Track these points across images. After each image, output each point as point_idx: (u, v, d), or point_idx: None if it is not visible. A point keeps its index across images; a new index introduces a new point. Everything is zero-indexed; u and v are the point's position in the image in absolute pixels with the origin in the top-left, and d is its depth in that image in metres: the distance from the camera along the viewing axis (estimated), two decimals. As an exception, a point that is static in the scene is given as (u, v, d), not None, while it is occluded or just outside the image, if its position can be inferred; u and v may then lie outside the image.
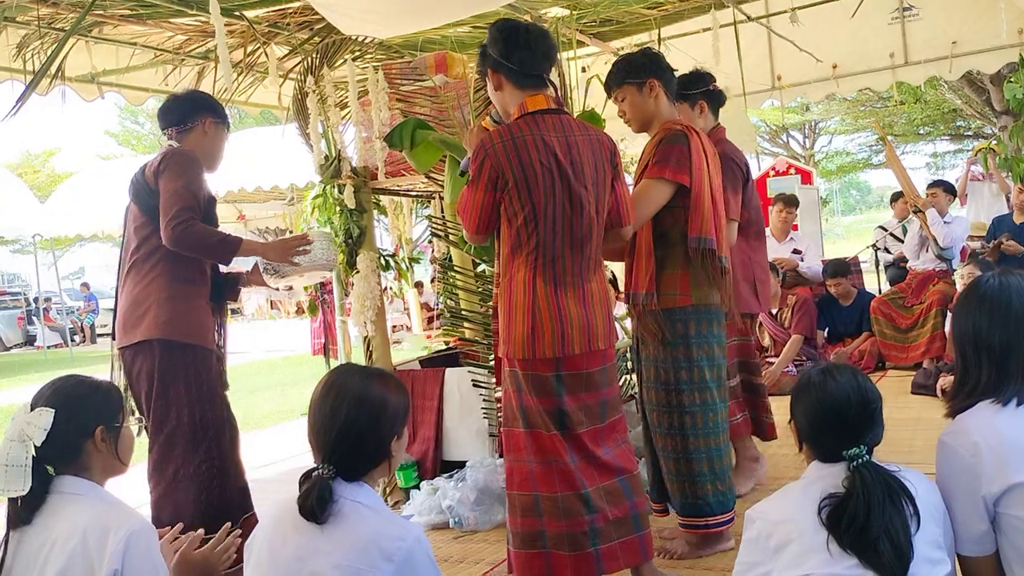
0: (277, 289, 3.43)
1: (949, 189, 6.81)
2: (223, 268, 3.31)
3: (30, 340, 20.69)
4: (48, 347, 18.26)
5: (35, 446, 1.76)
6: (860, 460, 1.71)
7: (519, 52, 2.64)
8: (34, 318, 20.45)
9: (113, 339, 3.13)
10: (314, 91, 4.04)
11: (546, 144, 2.57)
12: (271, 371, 11.05)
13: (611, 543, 2.60)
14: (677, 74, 3.28)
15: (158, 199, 2.98)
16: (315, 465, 1.79)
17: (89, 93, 5.00)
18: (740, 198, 3.63)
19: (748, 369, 3.98)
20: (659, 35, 5.18)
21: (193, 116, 3.15)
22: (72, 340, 18.74)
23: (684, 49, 5.69)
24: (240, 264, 3.37)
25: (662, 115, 3.12)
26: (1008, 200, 8.03)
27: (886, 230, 8.29)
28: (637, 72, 3.12)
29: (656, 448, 3.14)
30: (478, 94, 3.77)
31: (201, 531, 2.06)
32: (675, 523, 3.18)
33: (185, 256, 3.01)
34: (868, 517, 1.64)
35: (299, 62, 4.55)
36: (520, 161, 2.55)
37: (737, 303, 3.64)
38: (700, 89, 3.73)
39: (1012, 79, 7.74)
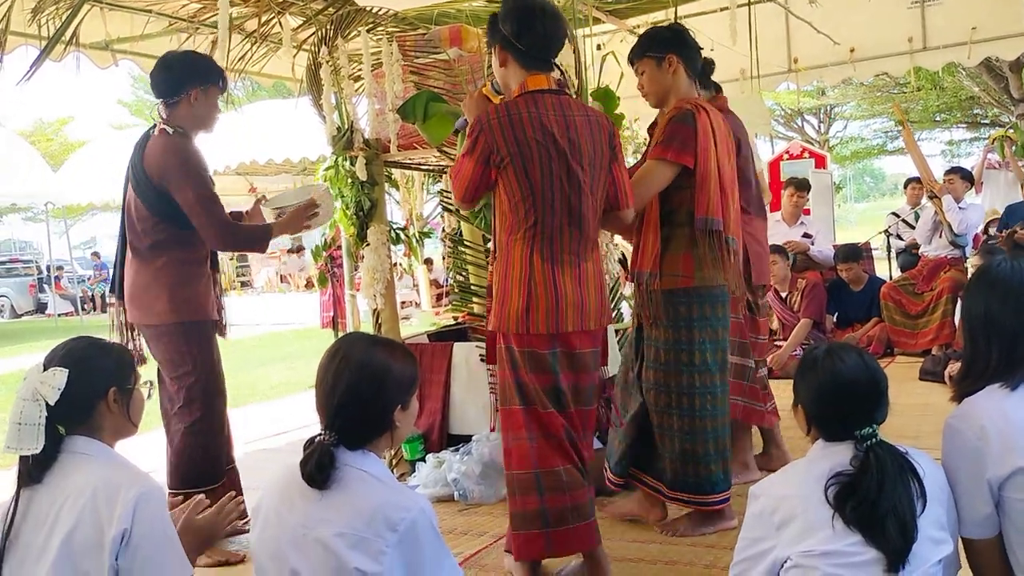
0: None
1: (967, 176, 6.78)
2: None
3: (41, 308, 20.82)
4: (59, 315, 18.37)
5: (48, 405, 1.78)
6: (873, 439, 1.71)
7: (530, 35, 2.64)
8: (45, 286, 20.57)
9: (114, 300, 3.39)
10: (328, 62, 4.03)
11: (543, 122, 2.58)
12: (280, 344, 11.09)
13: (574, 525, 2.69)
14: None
15: (161, 197, 3.16)
16: (320, 431, 1.80)
17: (103, 60, 4.98)
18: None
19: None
20: (676, 13, 5.12)
21: (179, 89, 3.22)
22: (83, 309, 18.84)
23: (700, 28, 5.63)
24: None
25: (679, 92, 3.11)
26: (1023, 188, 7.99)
27: (899, 216, 8.25)
28: (658, 46, 3.11)
29: (652, 426, 3.14)
30: (492, 68, 3.74)
31: (202, 496, 2.09)
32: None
33: (187, 243, 3.21)
34: (880, 495, 1.65)
35: (313, 33, 4.53)
36: (515, 138, 2.57)
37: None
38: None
39: (1032, 65, 7.66)
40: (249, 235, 3.34)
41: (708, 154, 2.96)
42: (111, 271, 3.45)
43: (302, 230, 3.54)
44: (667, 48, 3.10)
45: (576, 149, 2.61)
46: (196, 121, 3.26)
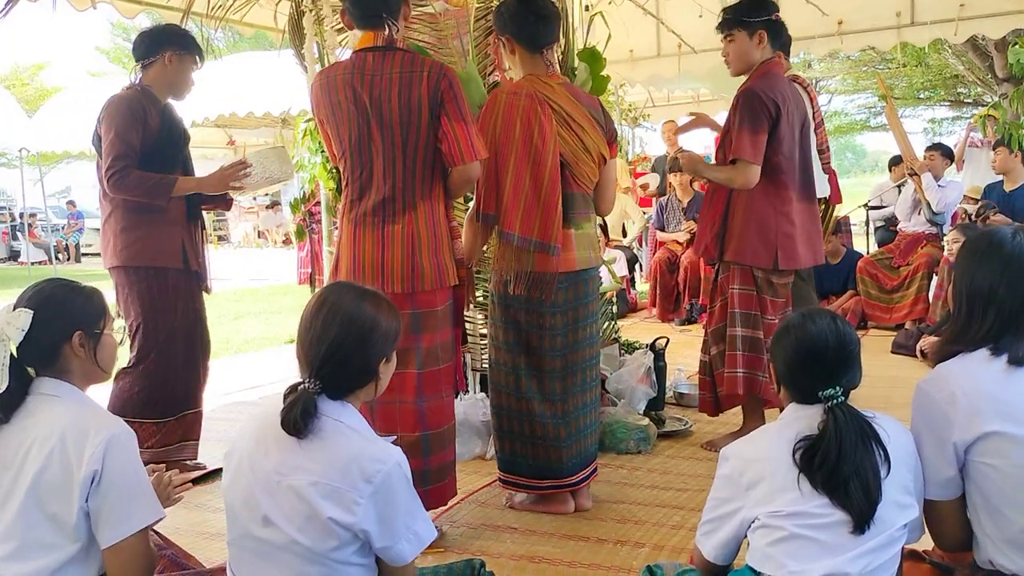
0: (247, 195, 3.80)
1: (947, 153, 6.80)
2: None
3: (14, 255, 20.55)
4: (32, 264, 18.13)
5: (15, 346, 1.75)
6: (835, 400, 1.73)
7: None
8: (19, 233, 20.28)
9: None
10: (311, 11, 3.96)
11: (352, 84, 2.62)
12: (256, 299, 11.02)
13: None
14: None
15: (101, 143, 3.32)
16: (301, 379, 1.79)
17: (81, 3, 4.85)
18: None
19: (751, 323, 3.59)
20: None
21: (154, 51, 3.39)
22: (56, 258, 18.60)
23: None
24: None
25: (525, 69, 2.98)
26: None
27: (886, 188, 8.34)
28: (497, 27, 3.03)
29: None
30: (478, 23, 3.70)
31: (158, 466, 2.08)
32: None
33: None
34: (840, 457, 1.66)
35: (297, -19, 4.44)
36: (329, 100, 2.65)
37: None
38: (760, 18, 3.48)
39: (1017, 43, 7.66)
40: (141, 183, 3.27)
41: (492, 146, 2.84)
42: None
43: (227, 189, 3.49)
44: (502, 30, 2.99)
45: (386, 108, 2.61)
46: (167, 84, 3.41)
